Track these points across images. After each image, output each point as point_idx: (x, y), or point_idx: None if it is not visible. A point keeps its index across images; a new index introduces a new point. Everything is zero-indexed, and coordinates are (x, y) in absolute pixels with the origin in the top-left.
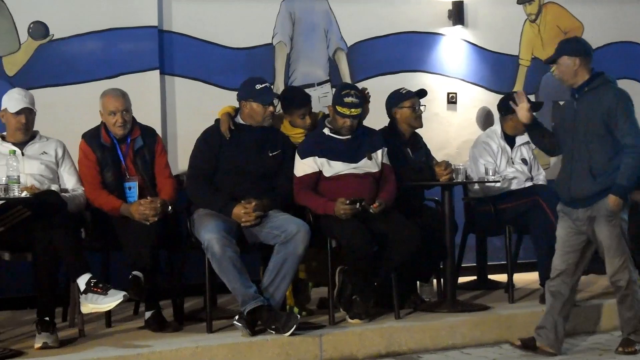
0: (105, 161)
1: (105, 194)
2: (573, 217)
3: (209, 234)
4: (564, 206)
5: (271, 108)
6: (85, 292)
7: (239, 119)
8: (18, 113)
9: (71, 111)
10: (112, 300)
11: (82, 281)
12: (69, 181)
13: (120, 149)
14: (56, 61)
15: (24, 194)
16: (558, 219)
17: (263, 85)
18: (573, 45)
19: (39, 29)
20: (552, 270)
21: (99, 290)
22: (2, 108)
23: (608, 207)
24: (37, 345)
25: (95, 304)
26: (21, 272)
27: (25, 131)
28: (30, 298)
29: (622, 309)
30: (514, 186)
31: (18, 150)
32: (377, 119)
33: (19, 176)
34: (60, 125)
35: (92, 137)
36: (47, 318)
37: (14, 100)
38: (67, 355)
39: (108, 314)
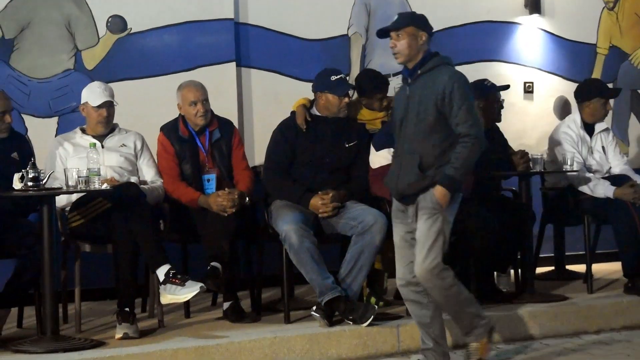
0: (183, 154)
1: (183, 185)
2: (405, 214)
3: (287, 225)
4: (396, 206)
5: (346, 99)
6: (164, 283)
7: (314, 111)
8: (100, 107)
9: (149, 104)
10: (190, 291)
11: (161, 272)
12: (148, 173)
13: (200, 141)
14: (134, 55)
15: (104, 186)
16: (393, 223)
17: (338, 76)
18: (424, 19)
19: (117, 23)
20: (398, 279)
21: (177, 281)
22: (83, 101)
23: (433, 198)
24: (118, 335)
25: (173, 295)
26: (101, 264)
27: (106, 124)
28: (110, 289)
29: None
30: (596, 175)
31: (98, 143)
32: None
33: (99, 169)
34: (138, 118)
35: (170, 130)
36: (127, 309)
37: (95, 93)
38: (147, 345)
39: (187, 304)
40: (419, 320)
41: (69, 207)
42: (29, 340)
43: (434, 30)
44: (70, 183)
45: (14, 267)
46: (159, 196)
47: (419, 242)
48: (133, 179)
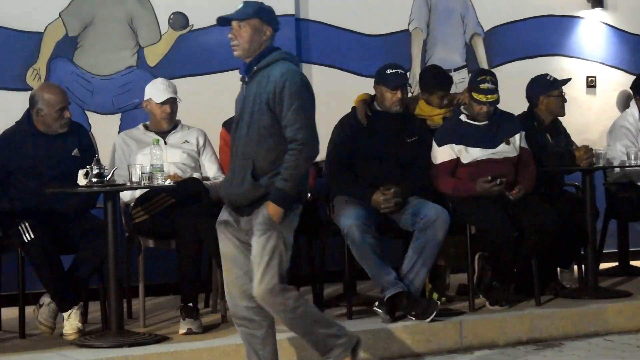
0: None
1: None
2: (240, 226)
3: (349, 220)
4: (228, 214)
5: (399, 94)
6: None
7: (375, 106)
8: (163, 103)
9: (210, 100)
10: None
11: None
12: (210, 169)
13: None
14: (195, 51)
15: (168, 182)
16: (219, 232)
17: (393, 70)
18: (272, 13)
19: (179, 20)
20: (227, 293)
21: None
22: (147, 98)
23: (265, 214)
24: (182, 331)
25: None
26: (165, 259)
27: (169, 121)
28: (174, 285)
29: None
30: None
31: (161, 140)
32: (513, 103)
33: (162, 165)
34: (200, 115)
35: (231, 125)
36: (190, 304)
37: (159, 90)
38: (210, 340)
39: None
40: (248, 340)
41: (133, 203)
42: (94, 335)
43: (496, 25)
44: (134, 179)
45: (73, 259)
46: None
47: (254, 262)
48: (196, 175)
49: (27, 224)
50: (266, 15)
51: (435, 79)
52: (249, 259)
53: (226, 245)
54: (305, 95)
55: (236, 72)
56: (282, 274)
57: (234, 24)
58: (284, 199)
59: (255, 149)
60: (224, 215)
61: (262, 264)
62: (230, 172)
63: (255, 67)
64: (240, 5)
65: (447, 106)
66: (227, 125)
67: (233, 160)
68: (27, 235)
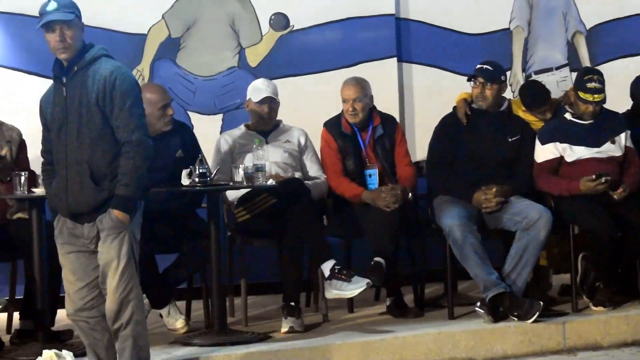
0: (346, 149)
1: (347, 181)
2: (78, 233)
3: (450, 220)
4: (65, 225)
5: (480, 89)
6: (330, 278)
7: (475, 105)
8: (261, 102)
9: (311, 100)
10: (355, 287)
11: (326, 267)
12: (312, 169)
13: (361, 137)
14: (296, 51)
15: (270, 182)
16: (58, 243)
17: (482, 65)
18: (76, 5)
19: (280, 20)
20: (71, 314)
21: (342, 276)
22: (247, 98)
23: (114, 217)
24: (284, 329)
25: (339, 291)
26: (267, 258)
27: (268, 120)
28: (276, 284)
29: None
30: None
31: (263, 139)
32: (616, 101)
33: (264, 164)
34: (301, 115)
35: (333, 126)
36: (292, 303)
37: (257, 90)
38: (312, 339)
39: (350, 299)
40: (93, 346)
41: (235, 203)
42: (197, 333)
43: (598, 23)
44: (236, 179)
45: (175, 258)
46: (322, 192)
47: (108, 269)
48: (297, 175)
49: None
50: (79, 11)
51: (531, 98)
52: (92, 269)
53: (67, 257)
54: (136, 93)
55: (335, 72)
56: (137, 277)
57: (58, 26)
58: (128, 204)
59: (89, 152)
60: (60, 227)
61: (118, 270)
62: (61, 180)
63: (75, 67)
64: (55, 5)
65: (552, 117)
66: (328, 125)
67: (62, 166)
68: None
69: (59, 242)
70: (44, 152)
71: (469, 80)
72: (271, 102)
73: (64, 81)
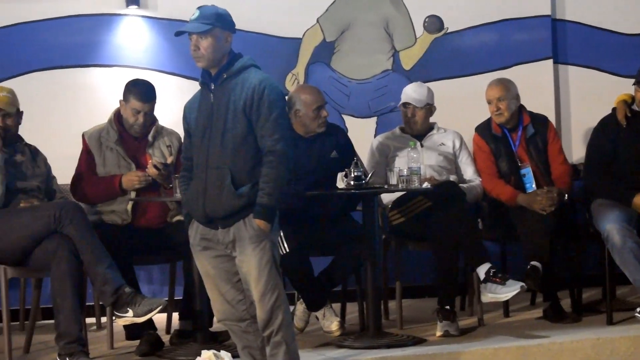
0: (498, 151)
1: (502, 184)
2: (213, 238)
3: (609, 224)
4: (201, 232)
5: None
6: (485, 281)
7: (635, 107)
8: (404, 106)
9: (466, 103)
10: (510, 290)
11: (481, 271)
12: (467, 172)
13: (512, 138)
14: (450, 54)
15: (425, 184)
16: (195, 252)
17: None
18: (229, 18)
19: (434, 23)
20: (217, 313)
21: (498, 280)
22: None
23: (255, 225)
24: (439, 333)
25: (494, 294)
26: (422, 261)
27: (413, 125)
28: (430, 287)
29: None
30: None
31: (417, 142)
32: None
33: (419, 167)
34: (455, 117)
35: (483, 129)
36: (447, 306)
37: (404, 93)
38: (467, 343)
39: (506, 303)
40: (247, 349)
41: (390, 205)
42: (352, 336)
43: None
44: (391, 182)
45: (331, 261)
46: (477, 195)
47: (251, 278)
48: (452, 178)
49: (282, 235)
50: (224, 21)
51: None
52: (233, 273)
53: (204, 264)
54: (283, 105)
55: (490, 74)
56: (281, 282)
57: (194, 35)
58: (270, 214)
59: (231, 158)
60: (194, 233)
61: (261, 279)
62: (199, 184)
63: (224, 75)
64: (197, 14)
65: None
66: (479, 129)
67: (201, 170)
68: (282, 247)
69: (195, 250)
70: (184, 158)
71: (635, 84)
72: (414, 108)
73: (212, 88)
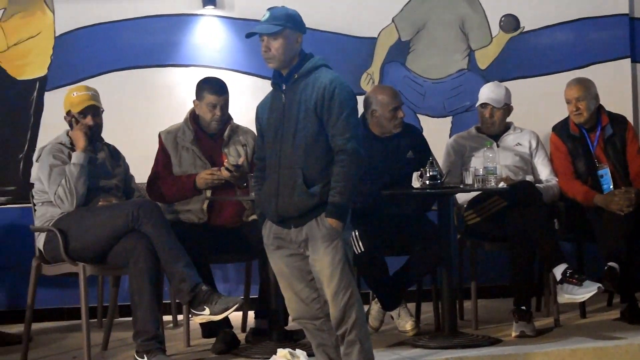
0: (575, 151)
1: (578, 184)
2: (286, 237)
3: None
4: (274, 231)
5: None
6: (561, 282)
7: None
8: (483, 105)
9: (542, 102)
10: (587, 291)
11: (558, 271)
12: (543, 172)
13: (589, 138)
14: (526, 53)
15: (501, 184)
16: (269, 251)
17: None
18: (299, 18)
19: (510, 22)
20: (292, 312)
21: (574, 281)
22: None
23: (327, 224)
24: (514, 333)
25: (571, 295)
26: (498, 261)
27: (490, 125)
28: (505, 287)
29: None
30: None
31: (493, 142)
32: None
33: (495, 167)
34: (532, 117)
35: (561, 129)
36: (523, 307)
37: (481, 93)
38: (543, 344)
39: (582, 304)
40: (322, 347)
41: (465, 205)
42: (427, 336)
43: None
44: (467, 182)
45: (406, 260)
46: (554, 195)
47: (324, 277)
48: (528, 178)
49: (357, 234)
50: (294, 22)
51: None
52: (307, 272)
53: (278, 263)
54: (353, 104)
55: (567, 73)
56: (354, 280)
57: (264, 36)
58: (342, 213)
59: (303, 157)
60: (268, 232)
61: (334, 277)
62: (272, 183)
63: (296, 75)
64: (267, 15)
65: None
66: (556, 129)
67: (273, 170)
68: (357, 247)
69: (269, 249)
70: (257, 159)
71: None
72: (492, 108)
73: (283, 88)
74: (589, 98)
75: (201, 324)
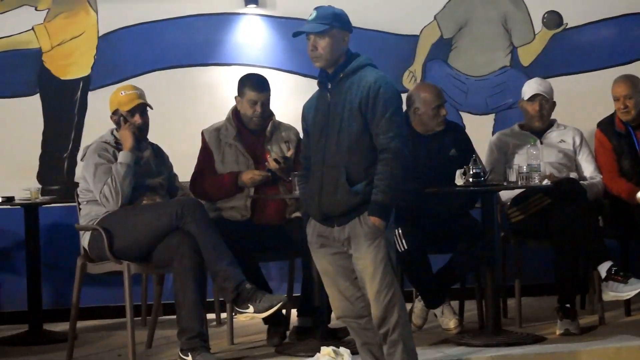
0: (621, 149)
1: (623, 181)
2: (329, 236)
3: None
4: (318, 229)
5: None
6: (606, 280)
7: None
8: (532, 100)
9: (585, 99)
10: (632, 289)
11: (602, 269)
12: (587, 169)
13: (636, 136)
14: (570, 50)
15: (544, 182)
16: (312, 249)
17: None
18: (345, 17)
19: (553, 19)
20: (336, 310)
21: (619, 278)
22: (521, 97)
23: (370, 223)
24: (559, 331)
25: (616, 293)
26: (542, 259)
27: (539, 119)
28: (550, 285)
29: None
30: None
31: (537, 139)
32: None
33: (539, 164)
34: (575, 114)
35: (606, 126)
36: (567, 305)
37: (529, 87)
38: (588, 342)
39: (627, 302)
40: (367, 345)
41: (509, 203)
42: (471, 334)
43: None
44: (510, 179)
45: (449, 258)
46: (598, 192)
47: (366, 276)
48: (572, 175)
49: (400, 232)
50: (341, 21)
51: None
52: (351, 270)
53: (322, 261)
54: (398, 103)
55: (610, 70)
56: (396, 280)
57: (311, 35)
58: (385, 211)
59: (347, 156)
60: (312, 231)
61: (376, 276)
62: (316, 182)
63: (341, 74)
64: (314, 15)
65: None
66: (602, 125)
67: (318, 169)
68: (400, 245)
69: (313, 248)
70: (302, 158)
71: None
72: (542, 100)
73: (329, 87)
74: (637, 95)
75: (264, 319)
